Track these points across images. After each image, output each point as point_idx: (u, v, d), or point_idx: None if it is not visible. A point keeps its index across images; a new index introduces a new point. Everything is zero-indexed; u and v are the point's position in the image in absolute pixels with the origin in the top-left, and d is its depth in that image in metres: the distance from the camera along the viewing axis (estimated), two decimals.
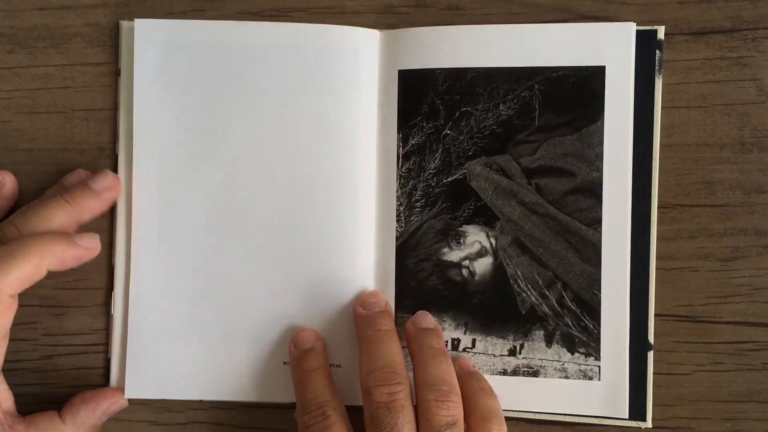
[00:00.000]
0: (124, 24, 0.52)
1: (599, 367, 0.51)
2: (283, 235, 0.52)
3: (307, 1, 0.53)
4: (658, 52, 0.51)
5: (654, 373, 0.52)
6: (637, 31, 0.51)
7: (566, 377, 0.51)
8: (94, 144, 0.53)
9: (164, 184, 0.52)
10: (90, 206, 0.49)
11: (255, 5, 0.53)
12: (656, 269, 0.52)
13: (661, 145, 0.52)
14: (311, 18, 0.53)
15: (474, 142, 0.51)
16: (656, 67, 0.51)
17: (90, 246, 0.48)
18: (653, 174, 0.51)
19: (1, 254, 0.45)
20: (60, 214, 0.48)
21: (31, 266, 0.45)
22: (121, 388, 0.52)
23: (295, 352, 0.50)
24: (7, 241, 0.46)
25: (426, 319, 0.51)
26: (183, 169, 0.52)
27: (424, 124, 0.51)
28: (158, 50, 0.52)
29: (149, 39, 0.52)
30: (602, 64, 0.51)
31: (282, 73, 0.51)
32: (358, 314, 0.50)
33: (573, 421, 0.52)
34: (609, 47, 0.51)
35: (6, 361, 0.49)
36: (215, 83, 0.52)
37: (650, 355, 0.51)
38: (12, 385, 0.50)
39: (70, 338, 0.53)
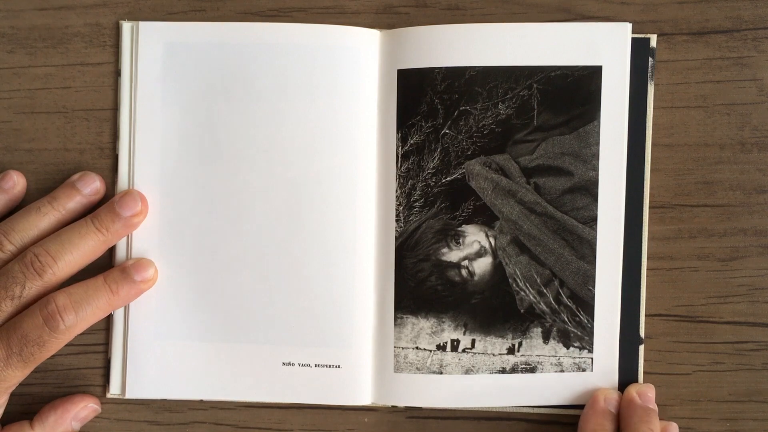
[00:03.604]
0: (124, 24, 0.52)
1: (592, 359, 0.51)
2: (283, 235, 0.52)
3: (307, 1, 0.53)
4: (650, 59, 0.51)
5: (654, 373, 0.52)
6: (632, 38, 0.51)
7: (562, 371, 0.51)
8: (94, 144, 0.53)
9: (165, 184, 0.52)
10: (119, 232, 0.51)
11: (255, 5, 0.53)
12: (656, 269, 0.52)
13: (661, 145, 0.52)
14: (311, 18, 0.53)
15: (473, 142, 0.51)
16: (648, 74, 0.51)
17: (146, 279, 0.51)
18: (645, 174, 0.51)
19: (75, 300, 0.48)
20: (91, 242, 0.50)
21: (102, 312, 0.49)
22: (91, 394, 0.52)
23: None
24: (41, 270, 0.48)
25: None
26: (183, 168, 0.52)
27: (423, 124, 0.51)
28: (162, 52, 0.52)
29: (153, 41, 0.52)
30: (599, 64, 0.51)
31: (282, 73, 0.52)
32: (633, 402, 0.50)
33: (570, 413, 0.52)
34: (605, 48, 0.51)
35: None
36: (216, 83, 0.52)
37: (641, 348, 0.51)
38: None
39: None
